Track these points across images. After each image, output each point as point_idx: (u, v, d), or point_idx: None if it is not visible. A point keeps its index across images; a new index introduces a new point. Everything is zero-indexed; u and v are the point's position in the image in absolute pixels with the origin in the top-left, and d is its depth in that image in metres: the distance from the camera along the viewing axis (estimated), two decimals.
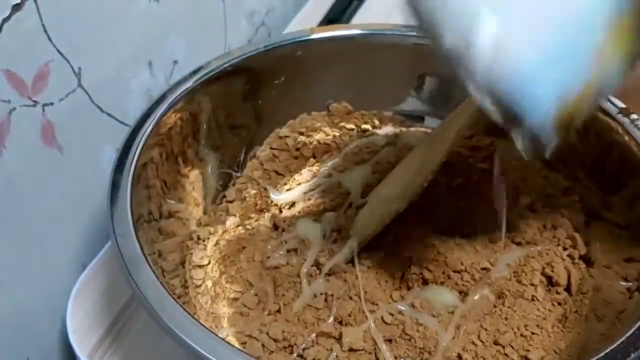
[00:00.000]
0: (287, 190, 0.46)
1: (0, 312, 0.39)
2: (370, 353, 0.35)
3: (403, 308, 0.37)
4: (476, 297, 0.37)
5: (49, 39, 0.37)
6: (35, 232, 0.41)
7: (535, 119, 0.24)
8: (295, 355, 0.35)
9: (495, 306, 0.37)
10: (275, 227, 0.43)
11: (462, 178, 0.44)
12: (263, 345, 0.35)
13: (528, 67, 0.23)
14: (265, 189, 0.45)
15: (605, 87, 0.25)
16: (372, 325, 0.36)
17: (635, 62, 0.25)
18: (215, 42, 0.57)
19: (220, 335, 0.30)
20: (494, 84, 0.23)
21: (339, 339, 0.35)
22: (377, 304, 0.37)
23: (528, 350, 0.35)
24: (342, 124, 0.48)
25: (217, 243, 0.42)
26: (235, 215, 0.44)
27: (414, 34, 0.46)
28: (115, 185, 0.35)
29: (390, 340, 0.35)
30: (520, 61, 0.23)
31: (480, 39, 0.23)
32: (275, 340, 0.35)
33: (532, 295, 0.37)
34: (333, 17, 0.65)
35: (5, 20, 0.34)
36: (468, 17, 0.23)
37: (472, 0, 0.23)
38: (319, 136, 0.48)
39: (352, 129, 0.49)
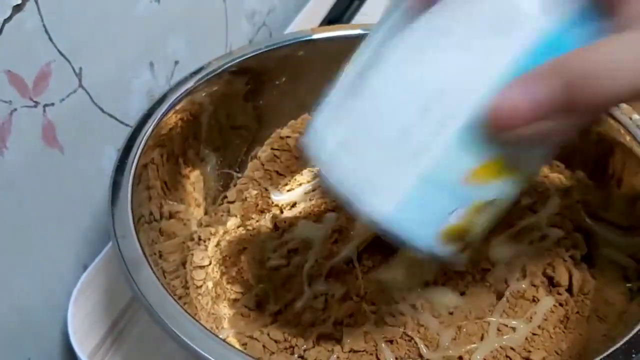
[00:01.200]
0: (288, 190, 0.46)
1: (1, 313, 0.39)
2: (371, 354, 0.35)
3: (404, 309, 0.36)
4: (477, 298, 0.37)
5: (50, 39, 0.37)
6: (36, 233, 0.41)
7: (419, 243, 0.25)
8: (296, 356, 0.35)
9: (496, 306, 0.37)
10: (276, 227, 0.43)
11: None
12: (264, 346, 0.35)
13: (401, 216, 0.24)
14: (266, 189, 0.45)
15: (501, 199, 0.25)
16: (373, 326, 0.36)
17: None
18: (216, 42, 0.57)
19: (221, 336, 0.30)
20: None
21: (339, 340, 0.35)
22: (377, 305, 0.37)
23: (530, 352, 0.35)
24: None
25: (218, 244, 0.42)
26: (236, 216, 0.44)
27: None
28: (116, 186, 0.35)
29: (391, 341, 0.35)
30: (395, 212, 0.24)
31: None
32: (276, 341, 0.35)
33: (533, 296, 0.37)
34: (334, 17, 0.65)
35: (6, 20, 0.34)
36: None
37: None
38: None
39: None
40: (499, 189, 0.25)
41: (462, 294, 0.37)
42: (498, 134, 0.22)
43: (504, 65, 0.22)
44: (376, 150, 0.24)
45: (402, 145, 0.23)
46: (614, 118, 0.39)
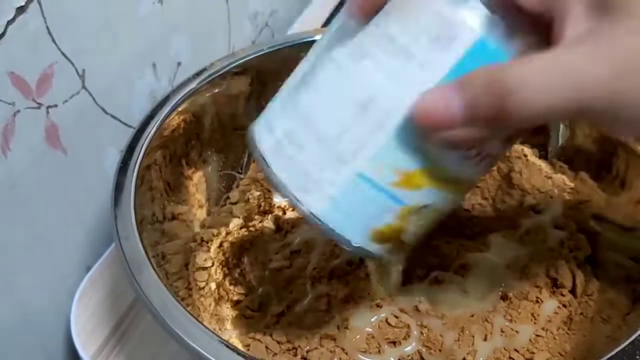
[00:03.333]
0: None
1: (5, 314, 0.39)
2: (374, 355, 0.35)
3: (407, 310, 0.36)
4: (480, 299, 0.37)
5: (53, 40, 0.37)
6: (40, 234, 0.41)
7: (350, 241, 0.26)
8: (299, 357, 0.35)
9: (500, 308, 0.37)
10: (279, 229, 0.43)
11: None
12: (267, 348, 0.35)
13: (334, 216, 0.26)
14: (269, 190, 0.45)
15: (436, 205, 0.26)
16: (376, 327, 0.36)
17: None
18: (219, 43, 0.57)
19: (223, 338, 0.30)
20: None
21: (342, 342, 0.35)
22: (381, 306, 0.37)
23: (533, 353, 0.35)
24: None
25: (220, 245, 0.42)
26: (238, 217, 0.44)
27: None
28: (119, 187, 0.35)
29: (394, 343, 0.35)
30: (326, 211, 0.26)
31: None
32: (279, 342, 0.35)
33: (537, 297, 0.37)
34: None
35: (9, 22, 0.34)
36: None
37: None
38: None
39: None
40: (432, 195, 0.26)
41: (466, 294, 0.37)
42: (427, 135, 0.23)
43: (441, 73, 0.23)
44: (316, 145, 0.25)
45: (340, 143, 0.25)
46: None
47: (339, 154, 0.25)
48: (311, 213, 0.26)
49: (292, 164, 0.26)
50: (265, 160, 0.26)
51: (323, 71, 0.25)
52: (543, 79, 0.20)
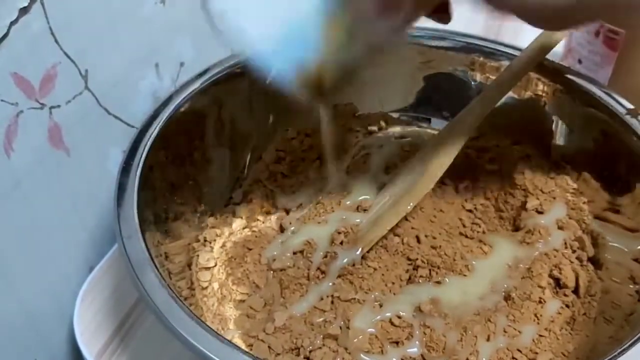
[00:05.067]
0: (293, 192, 0.45)
1: (8, 314, 0.39)
2: (377, 355, 0.35)
3: (410, 310, 0.36)
4: (483, 299, 0.37)
5: (56, 41, 0.37)
6: (43, 234, 0.41)
7: (282, 81, 0.31)
8: (301, 357, 0.35)
9: (503, 308, 0.37)
10: (282, 229, 0.43)
11: (469, 180, 0.44)
12: (269, 347, 0.35)
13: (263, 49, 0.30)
14: (272, 191, 0.45)
15: (346, 61, 0.31)
16: (379, 327, 0.36)
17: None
18: (222, 44, 0.57)
19: (226, 337, 0.30)
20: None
21: (345, 342, 0.35)
22: (383, 306, 0.37)
23: (536, 353, 0.35)
24: (349, 125, 0.48)
25: (223, 245, 0.42)
26: (241, 217, 0.44)
27: (420, 35, 0.46)
28: (121, 187, 0.35)
29: (397, 343, 0.35)
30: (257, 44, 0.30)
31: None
32: (281, 342, 0.35)
33: (540, 298, 0.37)
34: None
35: (12, 23, 0.34)
36: None
37: None
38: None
39: (358, 131, 0.48)
40: (345, 46, 0.29)
41: (468, 294, 0.37)
42: None
43: None
44: None
45: None
46: (621, 119, 0.39)
47: None
48: (247, 51, 0.31)
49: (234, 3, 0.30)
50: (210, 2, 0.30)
51: None
52: None
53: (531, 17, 0.28)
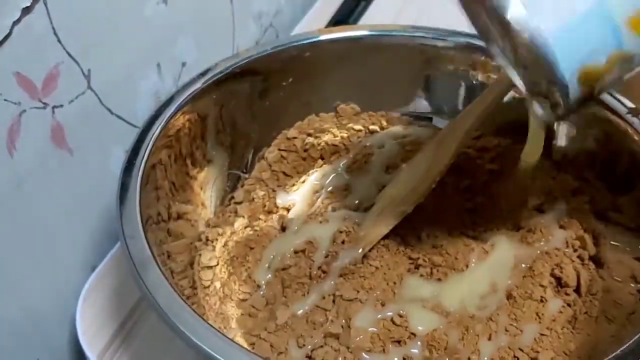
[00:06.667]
0: (295, 191, 0.46)
1: (10, 314, 0.39)
2: (378, 354, 0.35)
3: (411, 308, 0.36)
4: (484, 298, 0.37)
5: (59, 41, 0.37)
6: (45, 234, 0.41)
7: (562, 72, 0.26)
8: (303, 356, 0.35)
9: (504, 307, 0.37)
10: (283, 228, 0.43)
11: (470, 179, 0.44)
12: (271, 346, 0.35)
13: (558, 28, 0.26)
14: (274, 190, 0.45)
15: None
16: (381, 326, 0.36)
17: None
18: (223, 43, 0.57)
19: (228, 336, 0.30)
20: (526, 43, 0.26)
21: (347, 340, 0.35)
22: (385, 305, 0.37)
23: (538, 352, 0.35)
24: (350, 125, 0.48)
25: (225, 244, 0.42)
26: (243, 217, 0.44)
27: (422, 34, 0.46)
28: (124, 187, 0.35)
29: (398, 342, 0.35)
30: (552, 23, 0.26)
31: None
32: (283, 341, 0.35)
33: (541, 297, 0.37)
34: (340, 19, 0.65)
35: (15, 22, 0.34)
36: None
37: None
38: (327, 137, 0.48)
39: (360, 130, 0.49)
40: None
41: (470, 293, 0.37)
42: None
43: None
44: None
45: None
46: (623, 118, 0.39)
47: None
48: (532, 39, 0.26)
49: None
50: None
51: None
52: None
53: None
